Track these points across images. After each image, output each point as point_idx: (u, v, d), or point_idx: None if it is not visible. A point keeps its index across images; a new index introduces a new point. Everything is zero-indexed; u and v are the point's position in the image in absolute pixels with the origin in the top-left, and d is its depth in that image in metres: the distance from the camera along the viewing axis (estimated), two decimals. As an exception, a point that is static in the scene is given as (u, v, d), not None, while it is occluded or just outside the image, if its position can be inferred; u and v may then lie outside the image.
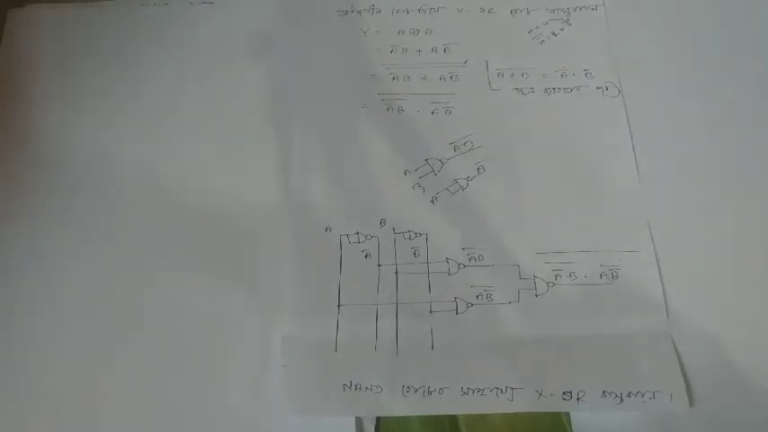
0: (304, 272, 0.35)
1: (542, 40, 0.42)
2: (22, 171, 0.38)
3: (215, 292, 0.35)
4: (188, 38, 0.42)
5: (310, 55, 0.42)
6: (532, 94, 0.40)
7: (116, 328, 0.34)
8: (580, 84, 0.40)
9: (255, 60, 0.41)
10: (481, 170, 0.38)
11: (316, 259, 0.36)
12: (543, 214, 0.36)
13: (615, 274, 0.35)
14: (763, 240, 0.35)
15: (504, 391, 0.32)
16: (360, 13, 0.43)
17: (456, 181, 0.38)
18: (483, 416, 0.32)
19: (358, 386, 0.32)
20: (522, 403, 0.32)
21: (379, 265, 0.35)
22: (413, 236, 0.36)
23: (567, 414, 0.32)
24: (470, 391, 0.32)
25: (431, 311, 0.34)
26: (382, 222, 0.36)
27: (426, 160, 0.38)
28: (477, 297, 0.34)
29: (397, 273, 0.35)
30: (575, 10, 0.43)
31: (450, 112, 0.40)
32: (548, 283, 0.35)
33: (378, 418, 0.32)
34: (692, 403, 0.32)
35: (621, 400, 0.32)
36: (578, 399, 0.32)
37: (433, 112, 0.40)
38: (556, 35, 0.42)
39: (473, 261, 0.35)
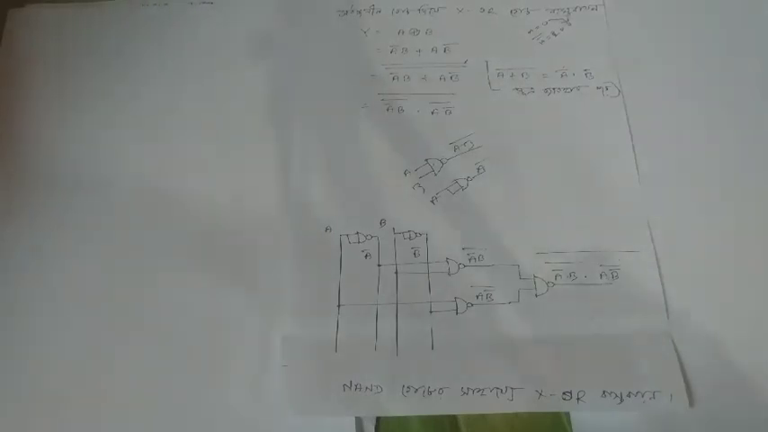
0: (304, 272, 0.35)
1: (542, 40, 0.42)
2: (22, 171, 0.38)
3: (215, 292, 0.35)
4: (188, 38, 0.42)
5: (310, 55, 0.42)
6: (532, 94, 0.40)
7: (116, 328, 0.34)
8: (580, 84, 0.40)
9: (255, 60, 0.41)
10: (481, 170, 0.38)
11: (316, 259, 0.36)
12: (543, 214, 0.36)
13: (615, 275, 0.35)
14: (763, 240, 0.35)
15: (504, 391, 0.32)
16: (360, 13, 0.43)
17: (456, 181, 0.38)
18: (483, 416, 0.32)
19: (358, 386, 0.32)
20: (522, 403, 0.32)
21: (379, 265, 0.35)
22: (413, 236, 0.36)
23: (567, 414, 0.32)
24: (470, 391, 0.32)
25: (431, 311, 0.34)
26: (382, 222, 0.36)
27: (426, 160, 0.38)
28: (477, 297, 0.34)
29: (397, 273, 0.35)
30: (575, 10, 0.43)
31: (450, 112, 0.40)
32: (548, 284, 0.35)
33: (378, 418, 0.32)
34: (692, 403, 0.32)
35: (621, 400, 0.32)
36: (578, 399, 0.32)
37: (432, 112, 0.40)
38: (556, 35, 0.42)
39: (473, 261, 0.35)
